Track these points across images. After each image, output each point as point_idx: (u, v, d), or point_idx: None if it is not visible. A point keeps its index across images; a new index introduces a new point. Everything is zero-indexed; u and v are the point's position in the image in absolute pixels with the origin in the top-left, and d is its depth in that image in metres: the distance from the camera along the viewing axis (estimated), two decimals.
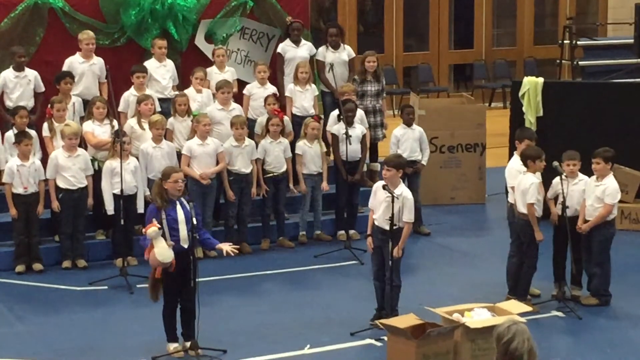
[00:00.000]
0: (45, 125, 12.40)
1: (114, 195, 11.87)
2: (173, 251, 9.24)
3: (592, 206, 10.74)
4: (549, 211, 10.93)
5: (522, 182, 10.59)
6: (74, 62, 12.90)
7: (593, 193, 10.74)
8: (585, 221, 10.73)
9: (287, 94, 13.63)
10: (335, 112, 13.34)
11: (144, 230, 9.30)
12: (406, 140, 13.42)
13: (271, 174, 12.88)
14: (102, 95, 12.87)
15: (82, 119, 12.63)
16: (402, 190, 10.01)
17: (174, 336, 9.55)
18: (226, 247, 9.62)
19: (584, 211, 10.75)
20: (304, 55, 13.94)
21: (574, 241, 10.61)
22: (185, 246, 9.29)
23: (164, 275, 9.34)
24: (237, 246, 10.69)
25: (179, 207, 9.35)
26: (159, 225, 9.17)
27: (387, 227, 9.82)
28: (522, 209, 10.60)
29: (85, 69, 12.87)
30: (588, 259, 10.80)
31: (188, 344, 9.48)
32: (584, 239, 10.77)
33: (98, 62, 13.01)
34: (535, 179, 10.55)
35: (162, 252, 9.13)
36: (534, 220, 10.51)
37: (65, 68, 12.82)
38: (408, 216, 9.95)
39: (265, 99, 13.17)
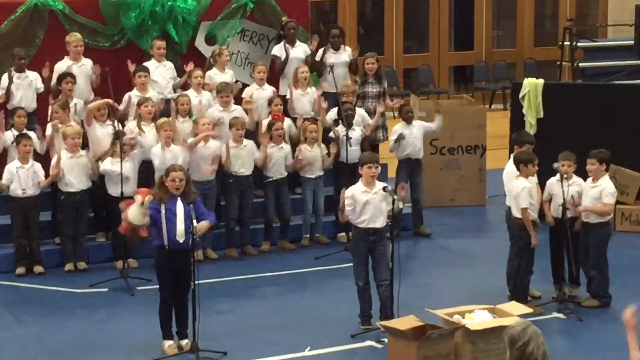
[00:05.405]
0: (49, 125, 12.38)
1: (114, 197, 11.84)
2: (166, 245, 9.40)
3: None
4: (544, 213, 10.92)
5: (514, 187, 10.54)
6: (63, 67, 12.84)
7: (588, 195, 10.72)
8: (583, 223, 10.72)
9: (287, 96, 13.60)
10: (334, 113, 13.31)
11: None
12: (407, 137, 13.37)
13: (271, 179, 12.86)
14: (95, 95, 12.85)
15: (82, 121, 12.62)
16: (383, 184, 10.12)
17: (169, 333, 9.65)
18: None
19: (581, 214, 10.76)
20: (299, 57, 13.92)
21: (572, 242, 10.61)
22: (181, 241, 9.38)
23: (158, 271, 9.61)
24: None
25: (179, 202, 9.46)
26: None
27: (380, 225, 9.91)
28: (515, 213, 10.56)
29: (75, 71, 12.82)
30: (585, 260, 10.79)
31: (183, 342, 9.57)
32: (582, 240, 10.76)
33: (87, 62, 13.00)
34: (527, 183, 10.48)
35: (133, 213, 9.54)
36: (529, 224, 10.44)
37: (55, 74, 12.78)
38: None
39: (271, 101, 13.16)
